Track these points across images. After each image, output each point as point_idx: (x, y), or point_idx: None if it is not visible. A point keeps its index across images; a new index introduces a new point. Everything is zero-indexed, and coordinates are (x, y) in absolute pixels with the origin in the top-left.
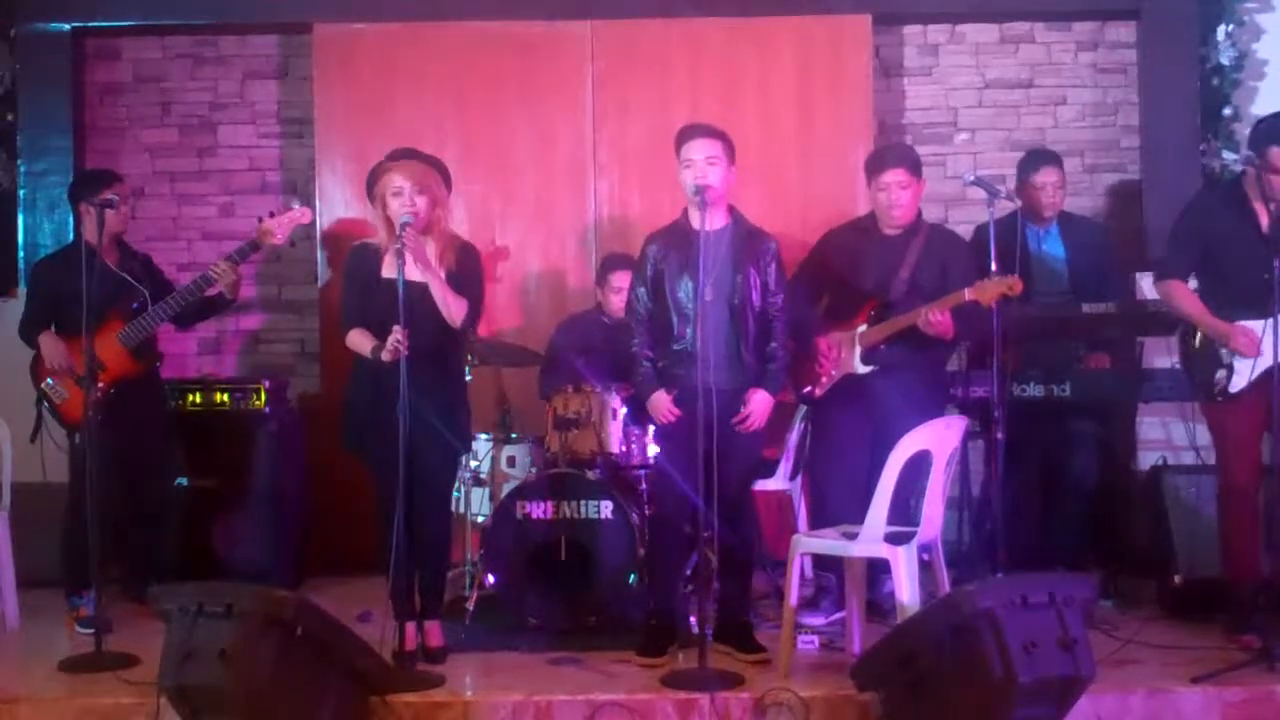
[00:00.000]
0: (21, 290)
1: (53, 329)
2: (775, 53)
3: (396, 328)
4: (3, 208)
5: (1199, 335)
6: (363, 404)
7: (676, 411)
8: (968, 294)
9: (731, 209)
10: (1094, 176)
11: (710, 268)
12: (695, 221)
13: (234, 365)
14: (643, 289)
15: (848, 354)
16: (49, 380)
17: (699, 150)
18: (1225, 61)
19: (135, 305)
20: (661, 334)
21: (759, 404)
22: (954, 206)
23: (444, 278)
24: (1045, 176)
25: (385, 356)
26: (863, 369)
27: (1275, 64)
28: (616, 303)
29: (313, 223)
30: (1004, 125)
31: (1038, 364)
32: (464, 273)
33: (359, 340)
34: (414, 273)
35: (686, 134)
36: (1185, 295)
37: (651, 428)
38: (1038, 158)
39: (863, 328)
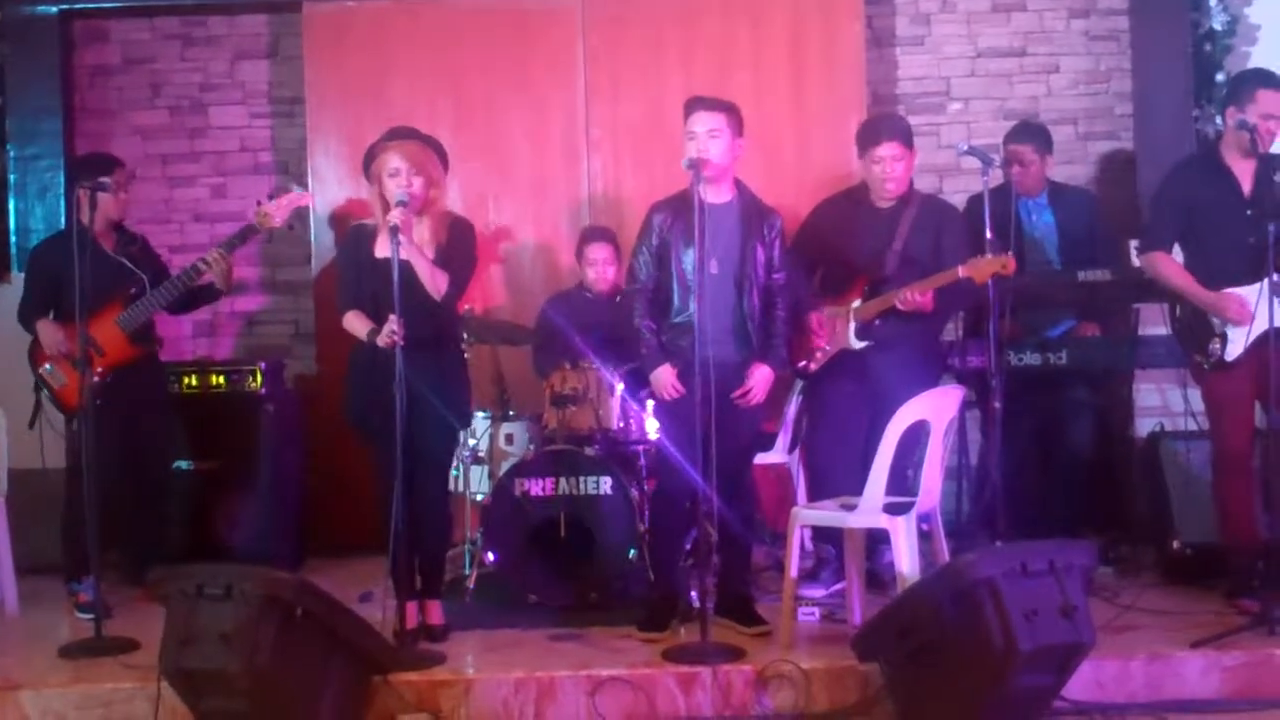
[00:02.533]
0: (14, 276)
1: (51, 314)
2: (767, 24)
3: (393, 317)
4: None
5: (1188, 305)
6: (361, 382)
7: (681, 388)
8: (961, 272)
9: (737, 182)
10: (1088, 144)
11: (716, 241)
12: (704, 194)
13: (229, 347)
14: (646, 257)
15: (842, 330)
16: (47, 365)
17: (701, 123)
18: (1218, 26)
19: (133, 290)
20: (662, 305)
21: (761, 378)
22: (948, 176)
23: (433, 257)
24: (1018, 148)
25: (381, 343)
26: (858, 345)
27: (1268, 29)
28: (592, 275)
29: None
30: (997, 94)
31: (1035, 332)
32: (451, 246)
33: (355, 323)
34: (406, 250)
35: (690, 106)
36: (1171, 267)
37: (651, 401)
38: (1015, 134)
39: (857, 303)
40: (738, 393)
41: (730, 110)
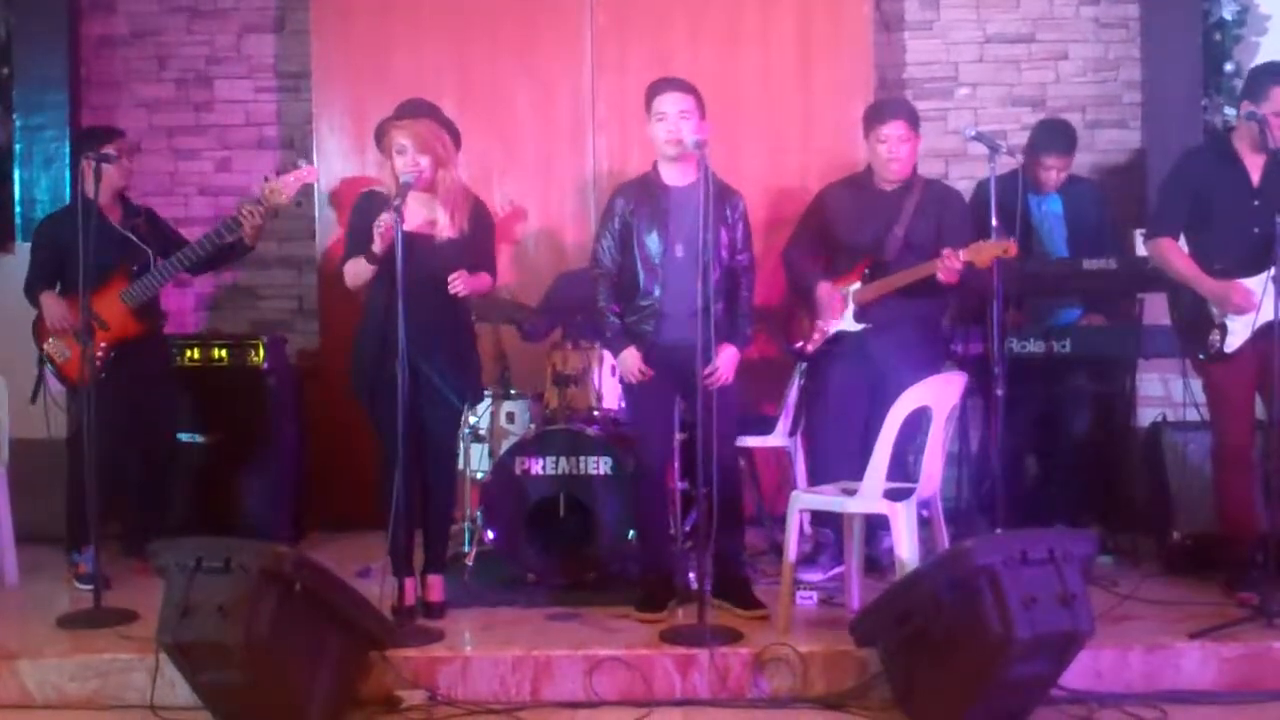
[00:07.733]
0: (19, 246)
1: (56, 288)
2: (775, 6)
3: (385, 215)
4: None
5: (1189, 295)
6: (369, 358)
7: (649, 371)
8: (962, 256)
9: (700, 164)
10: (1095, 132)
11: (680, 224)
12: (667, 177)
13: (232, 322)
14: (609, 242)
15: (841, 311)
16: (51, 339)
17: (672, 104)
18: (1228, 16)
19: (137, 266)
20: (627, 289)
21: (727, 358)
22: (955, 162)
23: (456, 238)
24: (1052, 160)
25: (377, 247)
26: (856, 326)
27: (1278, 19)
28: None
29: None
30: (1005, 80)
31: (1040, 321)
32: (480, 239)
33: (355, 264)
34: (416, 223)
35: (658, 88)
36: (1177, 255)
37: (619, 384)
38: (1050, 142)
39: (856, 285)
40: (705, 372)
41: (697, 93)
